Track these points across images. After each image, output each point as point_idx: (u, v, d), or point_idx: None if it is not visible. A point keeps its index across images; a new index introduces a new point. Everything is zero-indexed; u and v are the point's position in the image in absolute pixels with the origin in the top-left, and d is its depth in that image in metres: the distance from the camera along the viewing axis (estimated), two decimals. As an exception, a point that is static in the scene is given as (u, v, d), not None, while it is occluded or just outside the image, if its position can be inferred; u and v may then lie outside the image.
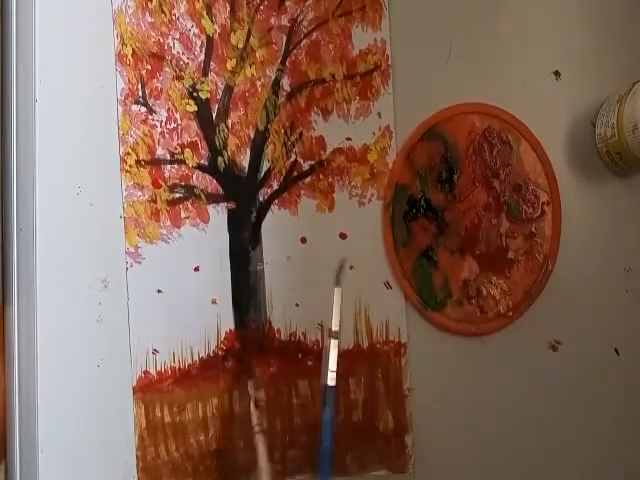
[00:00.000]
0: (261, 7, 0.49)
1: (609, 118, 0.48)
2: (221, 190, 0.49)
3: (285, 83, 0.49)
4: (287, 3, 0.49)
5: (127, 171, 0.48)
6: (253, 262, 0.49)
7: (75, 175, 0.48)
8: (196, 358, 0.48)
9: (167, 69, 0.49)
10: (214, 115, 0.49)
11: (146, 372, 0.47)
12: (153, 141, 0.48)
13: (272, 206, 0.49)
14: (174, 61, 0.49)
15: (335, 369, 0.44)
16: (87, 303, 0.47)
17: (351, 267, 0.49)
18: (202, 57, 0.49)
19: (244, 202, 0.49)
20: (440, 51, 0.50)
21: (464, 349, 0.49)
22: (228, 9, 0.49)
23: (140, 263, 0.48)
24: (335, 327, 0.45)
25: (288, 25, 0.49)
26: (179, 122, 0.49)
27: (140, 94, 0.48)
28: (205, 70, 0.49)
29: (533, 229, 0.50)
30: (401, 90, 0.50)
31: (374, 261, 0.49)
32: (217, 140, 0.49)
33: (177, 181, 0.48)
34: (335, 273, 0.46)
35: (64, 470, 0.47)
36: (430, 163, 0.50)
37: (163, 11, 0.49)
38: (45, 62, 0.48)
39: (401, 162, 0.49)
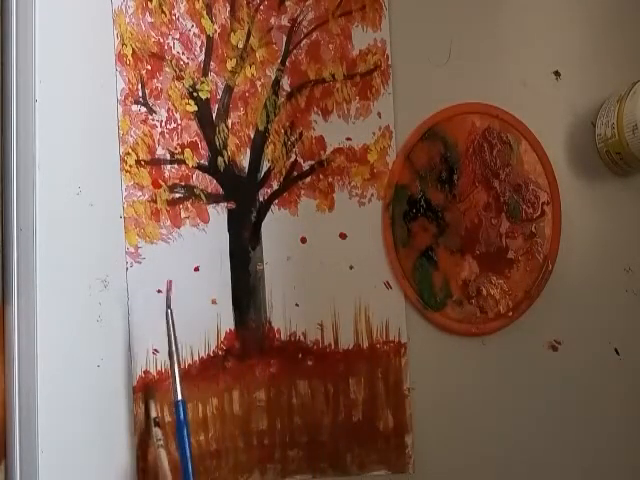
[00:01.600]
0: (261, 7, 0.49)
1: (609, 118, 0.48)
2: (221, 190, 0.49)
3: (285, 83, 0.49)
4: (287, 3, 0.49)
5: (127, 171, 0.48)
6: (253, 262, 0.49)
7: (75, 175, 0.48)
8: (196, 358, 0.48)
9: (167, 69, 0.49)
10: (214, 115, 0.49)
11: (146, 372, 0.47)
12: (153, 141, 0.48)
13: (272, 206, 0.49)
14: (174, 61, 0.49)
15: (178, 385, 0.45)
16: (87, 303, 0.47)
17: (351, 267, 0.49)
18: (202, 57, 0.49)
19: (244, 202, 0.49)
20: (440, 51, 0.50)
21: (464, 349, 0.49)
22: (228, 9, 0.49)
23: (140, 263, 0.48)
24: (171, 348, 0.45)
25: (288, 25, 0.49)
26: (179, 122, 0.49)
27: (140, 94, 0.48)
28: (205, 70, 0.49)
29: (533, 229, 0.50)
30: (401, 90, 0.50)
31: (374, 261, 0.49)
32: (217, 140, 0.49)
33: (177, 181, 0.48)
34: (165, 294, 0.47)
35: (64, 470, 0.47)
36: (430, 163, 0.50)
37: (163, 11, 0.49)
38: (45, 62, 0.48)
39: (401, 162, 0.49)
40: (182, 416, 0.44)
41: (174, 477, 0.44)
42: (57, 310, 0.47)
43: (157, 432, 0.46)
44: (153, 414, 0.47)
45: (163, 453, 0.45)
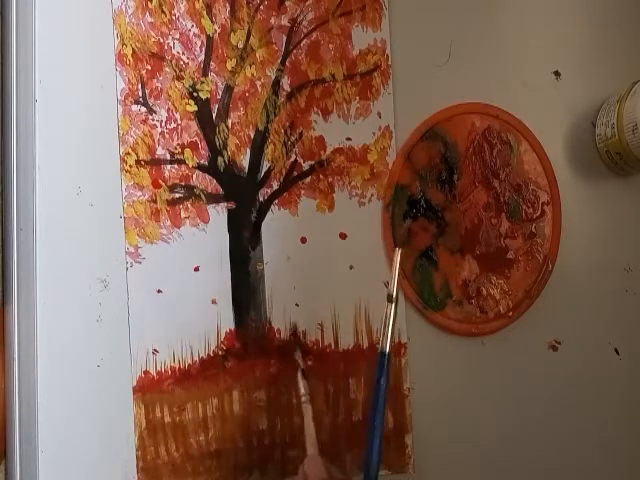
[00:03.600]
0: (261, 7, 0.49)
1: (609, 118, 0.48)
2: (221, 190, 0.49)
3: (285, 83, 0.49)
4: (287, 3, 0.49)
5: (127, 171, 0.48)
6: (253, 262, 0.49)
7: (75, 175, 0.48)
8: (196, 358, 0.48)
9: (167, 69, 0.49)
10: (214, 115, 0.49)
11: (146, 372, 0.47)
12: (153, 141, 0.48)
13: (272, 206, 0.49)
14: (174, 61, 0.49)
15: (391, 335, 0.41)
16: (87, 303, 0.47)
17: (351, 267, 0.49)
18: (202, 57, 0.49)
19: (244, 202, 0.49)
20: (440, 51, 0.50)
21: (464, 349, 0.49)
22: (228, 9, 0.49)
23: (140, 263, 0.48)
24: (392, 291, 0.41)
25: (288, 25, 0.49)
26: (179, 122, 0.49)
27: (140, 94, 0.48)
28: (205, 70, 0.49)
29: (533, 229, 0.50)
30: (401, 90, 0.50)
31: (374, 261, 0.49)
32: (217, 140, 0.49)
33: (177, 181, 0.48)
34: (399, 235, 0.45)
35: (64, 470, 0.47)
36: (430, 163, 0.50)
37: (163, 11, 0.49)
38: (45, 62, 0.48)
39: (401, 162, 0.49)
40: (385, 369, 0.41)
41: (318, 436, 0.44)
42: (57, 310, 0.47)
43: (305, 385, 0.46)
44: (302, 364, 0.47)
45: (308, 408, 0.45)
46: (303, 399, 0.46)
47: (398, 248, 0.42)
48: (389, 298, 0.41)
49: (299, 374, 0.47)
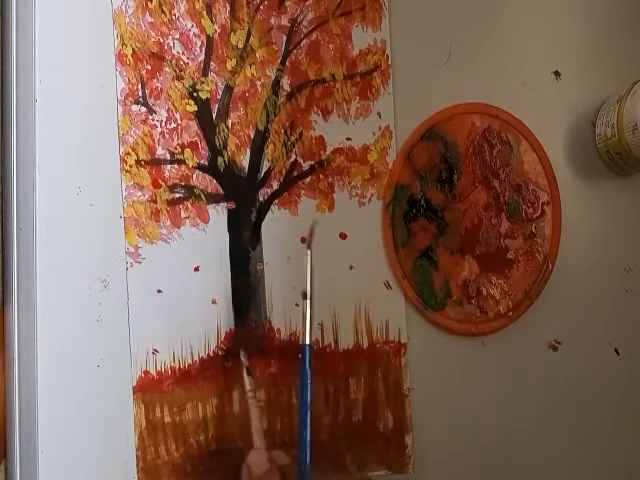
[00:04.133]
0: (261, 7, 0.49)
1: (609, 118, 0.48)
2: (221, 190, 0.49)
3: (285, 83, 0.49)
4: (287, 3, 0.49)
5: (127, 171, 0.48)
6: (253, 262, 0.49)
7: (75, 175, 0.48)
8: (196, 358, 0.48)
9: (167, 69, 0.49)
10: (214, 115, 0.49)
11: (146, 372, 0.47)
12: (153, 141, 0.48)
13: (272, 206, 0.49)
14: (174, 61, 0.49)
15: (309, 329, 0.45)
16: (87, 303, 0.47)
17: (351, 267, 0.49)
18: (202, 57, 0.49)
19: (244, 202, 0.49)
20: (440, 51, 0.50)
21: (464, 349, 0.49)
22: (228, 9, 0.49)
23: (140, 263, 0.48)
24: (307, 289, 0.45)
25: (288, 25, 0.49)
26: (179, 122, 0.49)
27: (140, 94, 0.48)
28: (205, 70, 0.49)
29: (533, 229, 0.50)
30: (401, 90, 0.50)
31: (374, 261, 0.49)
32: (217, 140, 0.49)
33: (177, 181, 0.48)
34: (307, 236, 0.47)
35: (64, 470, 0.47)
36: (430, 163, 0.50)
37: (163, 11, 0.49)
38: (45, 62, 0.48)
39: (401, 162, 0.49)
40: (307, 363, 0.44)
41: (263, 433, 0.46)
42: (57, 310, 0.47)
43: (249, 381, 0.47)
44: (245, 362, 0.47)
45: (254, 404, 0.46)
46: (249, 394, 0.47)
47: (308, 250, 0.46)
48: (303, 295, 0.45)
49: (244, 371, 0.47)
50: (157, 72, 0.49)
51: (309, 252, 0.46)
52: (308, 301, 0.45)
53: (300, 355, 0.44)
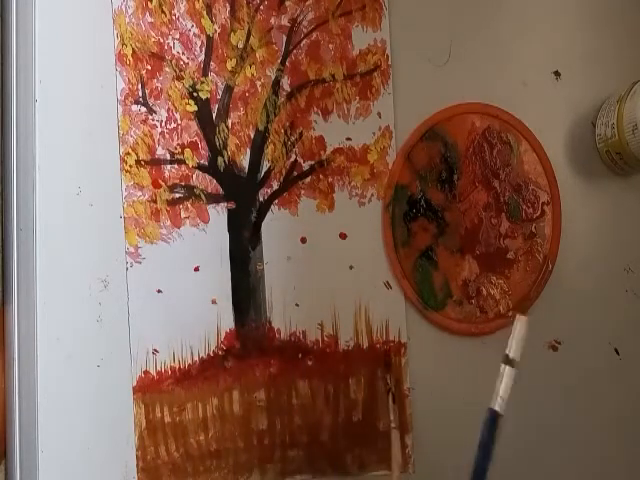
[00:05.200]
0: (261, 7, 0.49)
1: (609, 118, 0.48)
2: (221, 190, 0.49)
3: (285, 83, 0.49)
4: (287, 3, 0.49)
5: (127, 171, 0.48)
6: (253, 262, 0.49)
7: (75, 175, 0.48)
8: (196, 358, 0.48)
9: (167, 69, 0.49)
10: (214, 115, 0.49)
11: (146, 372, 0.47)
12: (153, 141, 0.48)
13: (272, 206, 0.49)
14: (174, 61, 0.49)
15: (505, 397, 0.38)
16: (87, 303, 0.47)
17: (351, 267, 0.49)
18: (202, 57, 0.49)
19: (244, 202, 0.49)
20: (440, 51, 0.50)
21: (464, 349, 0.49)
22: (228, 9, 0.49)
23: (140, 263, 0.48)
24: (513, 354, 0.39)
25: (288, 25, 0.49)
26: (179, 122, 0.49)
27: (140, 94, 0.48)
28: (205, 70, 0.49)
29: (533, 229, 0.50)
30: (401, 90, 0.50)
31: (374, 261, 0.49)
32: (217, 140, 0.49)
33: (177, 181, 0.48)
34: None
35: (64, 470, 0.47)
36: (430, 163, 0.50)
37: (163, 11, 0.49)
38: (45, 62, 0.48)
39: (401, 162, 0.49)
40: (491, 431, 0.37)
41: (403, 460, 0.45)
42: (57, 310, 0.47)
43: (393, 409, 0.46)
44: (392, 388, 0.47)
45: (395, 434, 0.46)
46: (392, 425, 0.47)
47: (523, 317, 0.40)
48: (506, 360, 0.40)
49: (389, 398, 0.47)
50: (157, 72, 0.49)
51: (523, 319, 0.38)
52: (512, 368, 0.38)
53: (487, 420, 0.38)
